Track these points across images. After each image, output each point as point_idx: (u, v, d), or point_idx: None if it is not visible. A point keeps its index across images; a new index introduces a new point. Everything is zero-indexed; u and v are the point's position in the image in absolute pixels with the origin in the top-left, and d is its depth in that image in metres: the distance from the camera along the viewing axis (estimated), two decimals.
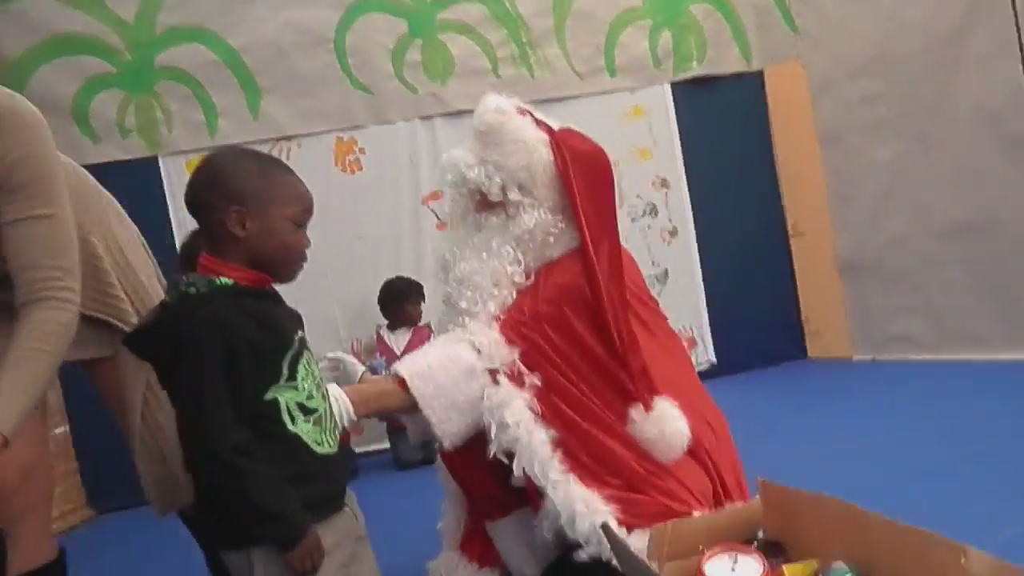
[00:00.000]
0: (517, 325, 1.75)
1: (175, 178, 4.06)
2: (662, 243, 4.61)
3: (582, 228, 1.81)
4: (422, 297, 3.96)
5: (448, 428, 1.70)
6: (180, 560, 2.99)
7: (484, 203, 1.89)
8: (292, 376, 1.33)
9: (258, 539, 1.26)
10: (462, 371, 1.70)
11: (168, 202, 4.05)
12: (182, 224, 4.06)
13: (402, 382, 1.71)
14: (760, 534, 1.46)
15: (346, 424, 1.62)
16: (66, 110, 3.92)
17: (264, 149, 4.15)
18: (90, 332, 1.55)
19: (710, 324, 4.66)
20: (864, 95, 4.16)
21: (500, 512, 1.86)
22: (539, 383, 1.72)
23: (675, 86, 4.60)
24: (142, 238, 1.84)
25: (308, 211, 1.40)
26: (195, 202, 1.34)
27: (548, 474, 1.66)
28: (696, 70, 4.62)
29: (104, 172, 3.76)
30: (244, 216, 1.30)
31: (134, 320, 1.59)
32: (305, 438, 1.33)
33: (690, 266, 4.65)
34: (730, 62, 4.67)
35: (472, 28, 4.34)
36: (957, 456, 2.49)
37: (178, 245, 4.02)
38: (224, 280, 1.30)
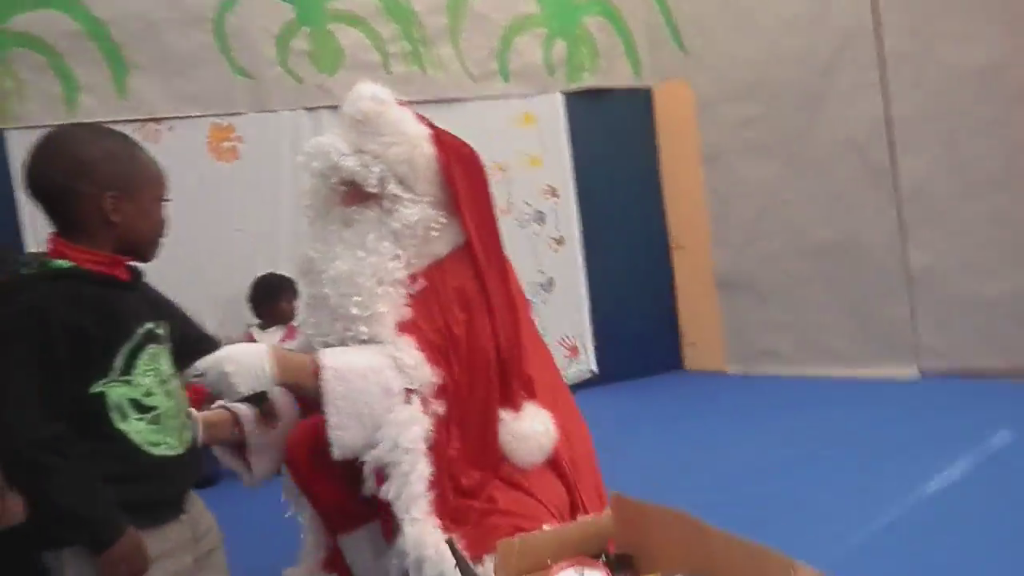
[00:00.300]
0: (439, 348, 1.69)
1: (23, 153, 3.70)
2: (549, 251, 4.62)
3: (468, 227, 1.77)
4: (295, 294, 3.79)
5: (343, 437, 1.60)
6: None
7: (354, 196, 1.77)
8: (128, 370, 1.26)
9: (67, 540, 1.20)
10: (380, 386, 1.61)
11: (12, 178, 3.69)
12: (29, 201, 3.71)
13: (317, 370, 1.60)
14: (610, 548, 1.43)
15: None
16: None
17: (131, 130, 3.83)
18: None
19: (593, 333, 4.70)
20: (744, 118, 4.32)
21: (350, 525, 1.76)
22: (442, 412, 1.66)
23: (567, 95, 4.63)
24: None
25: (167, 186, 1.42)
26: (51, 189, 1.27)
27: (411, 509, 1.59)
28: (588, 81, 4.66)
29: None
30: (119, 200, 1.27)
31: None
32: (134, 437, 1.25)
33: (575, 275, 4.67)
34: (621, 76, 4.74)
35: (363, 20, 4.21)
36: (801, 458, 2.60)
37: (26, 222, 3.70)
38: (60, 263, 1.24)
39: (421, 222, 1.73)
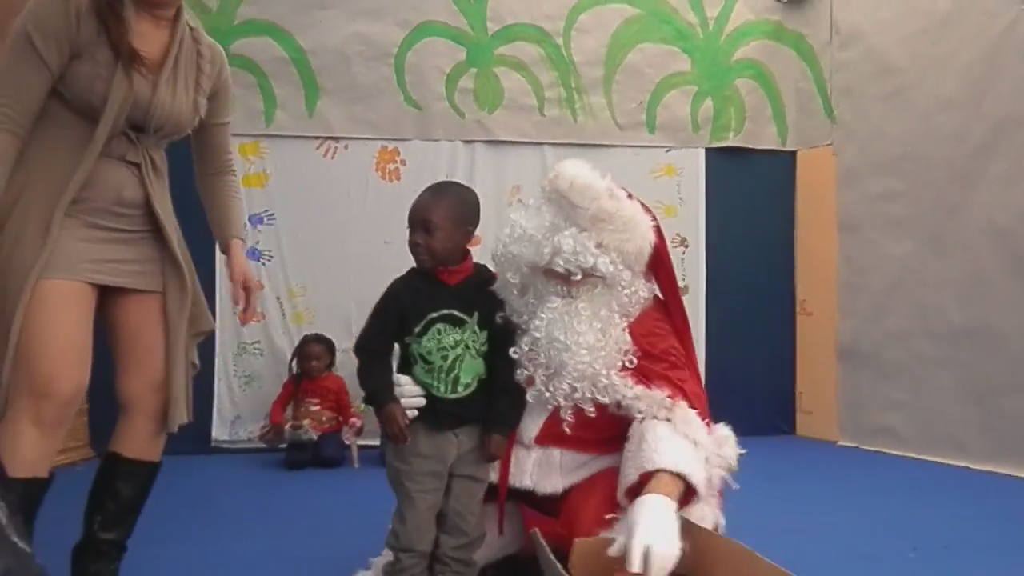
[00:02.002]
0: (702, 413, 1.91)
1: None
2: None
3: (667, 296, 2.02)
4: None
5: None
6: (162, 507, 3.19)
7: (564, 276, 1.88)
8: (421, 335, 1.90)
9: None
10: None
11: None
12: None
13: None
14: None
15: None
16: None
17: (313, 145, 4.43)
18: (156, 258, 1.83)
19: (705, 386, 4.77)
20: (886, 191, 4.31)
21: None
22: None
23: (709, 152, 4.79)
24: None
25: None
26: None
27: None
28: (732, 140, 4.80)
29: None
30: None
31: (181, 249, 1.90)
32: (416, 374, 1.90)
33: (695, 325, 4.75)
34: (766, 138, 4.85)
35: (526, 66, 4.58)
36: (901, 548, 2.60)
37: None
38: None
39: (639, 294, 1.92)
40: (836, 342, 4.60)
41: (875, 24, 4.41)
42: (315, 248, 4.38)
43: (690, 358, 1.98)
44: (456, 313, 1.86)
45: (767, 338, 4.82)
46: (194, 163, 2.04)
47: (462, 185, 2.07)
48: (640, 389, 1.83)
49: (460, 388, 1.85)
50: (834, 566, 2.39)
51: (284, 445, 4.02)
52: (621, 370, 1.85)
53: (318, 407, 4.04)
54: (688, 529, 1.65)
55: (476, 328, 1.88)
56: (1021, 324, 3.68)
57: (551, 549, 1.59)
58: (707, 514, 1.75)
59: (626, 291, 1.90)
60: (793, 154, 4.88)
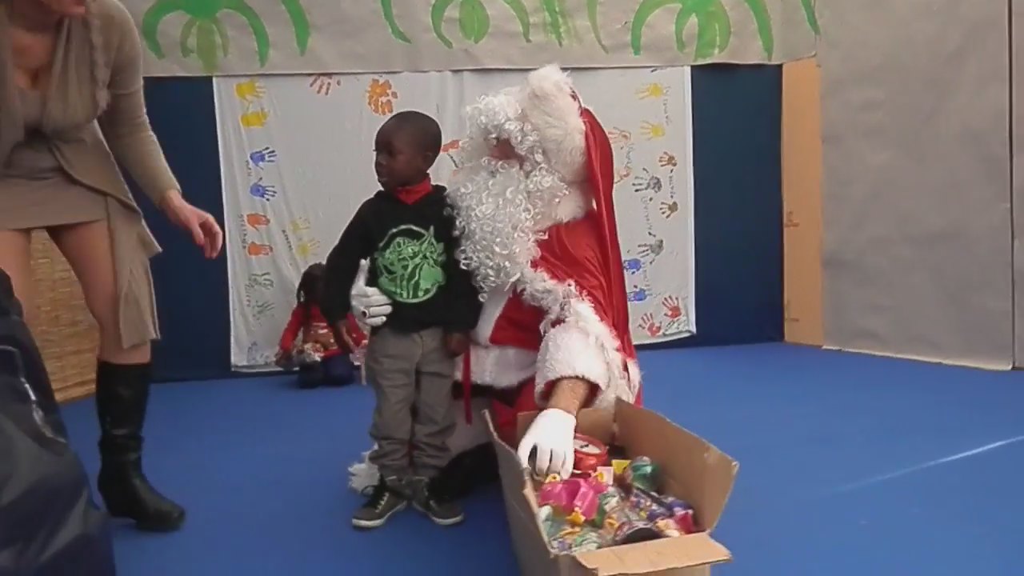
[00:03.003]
0: (600, 303, 2.07)
1: (225, 98, 4.52)
2: (661, 216, 4.93)
3: (601, 211, 2.18)
4: None
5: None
6: (188, 423, 3.54)
7: (503, 151, 2.16)
8: (384, 249, 2.14)
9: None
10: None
11: (216, 117, 4.51)
12: (227, 138, 4.53)
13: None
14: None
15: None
16: (137, 25, 4.36)
17: (307, 82, 4.59)
18: (87, 200, 1.97)
19: (696, 297, 4.99)
20: (867, 101, 4.38)
21: None
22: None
23: (695, 69, 4.86)
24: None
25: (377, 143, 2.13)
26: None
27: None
28: (717, 57, 4.86)
29: (165, 85, 4.31)
30: None
31: (126, 191, 2.04)
32: (381, 285, 2.17)
33: (684, 240, 4.96)
34: (751, 54, 4.90)
35: None
36: (851, 432, 2.84)
37: (222, 156, 4.54)
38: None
39: (551, 189, 2.13)
40: (821, 251, 4.76)
41: None
42: (315, 181, 4.60)
43: (611, 270, 2.13)
44: (414, 227, 2.09)
45: (755, 250, 4.99)
46: (100, 125, 2.02)
47: (425, 115, 2.25)
48: (551, 283, 2.05)
49: (420, 293, 2.09)
50: (793, 447, 2.65)
51: (297, 368, 4.34)
52: (535, 264, 2.08)
53: (326, 331, 4.33)
54: (620, 406, 1.90)
55: (433, 240, 2.10)
56: (991, 225, 3.82)
57: (507, 433, 1.85)
58: (621, 394, 1.96)
59: (535, 178, 2.10)
60: (779, 67, 4.93)
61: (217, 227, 2.04)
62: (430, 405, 2.13)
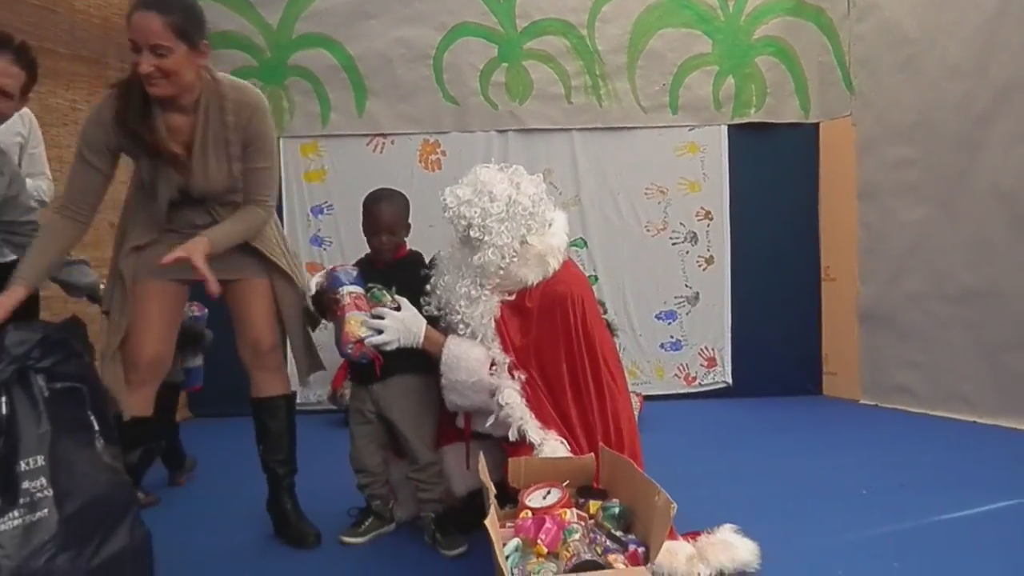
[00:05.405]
0: (520, 347, 2.34)
1: (290, 156, 4.95)
2: (697, 269, 5.07)
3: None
4: None
5: (448, 396, 2.35)
6: (247, 455, 3.84)
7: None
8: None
9: None
10: (474, 370, 2.29)
11: (282, 174, 4.93)
12: (290, 193, 4.95)
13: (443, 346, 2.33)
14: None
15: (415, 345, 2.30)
16: None
17: (364, 141, 4.98)
18: (248, 260, 2.36)
19: (732, 348, 5.07)
20: (901, 159, 4.46)
21: (447, 440, 2.50)
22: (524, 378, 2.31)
23: (732, 128, 5.03)
24: None
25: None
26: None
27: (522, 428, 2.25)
28: (753, 116, 5.02)
29: None
30: None
31: (284, 258, 2.42)
32: None
33: (721, 293, 5.07)
34: (788, 113, 5.04)
35: (553, 57, 4.96)
36: (856, 486, 2.91)
37: (285, 209, 4.95)
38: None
39: (495, 263, 2.32)
40: (857, 306, 4.79)
41: None
42: None
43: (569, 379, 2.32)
44: (375, 290, 2.35)
45: (793, 304, 5.05)
46: None
47: (398, 191, 2.58)
48: (497, 349, 2.30)
49: None
50: (809, 498, 2.76)
51: (344, 407, 4.63)
52: (498, 323, 2.32)
53: None
54: (604, 453, 2.08)
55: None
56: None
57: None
58: (557, 449, 2.16)
59: (479, 256, 2.29)
60: (816, 126, 5.05)
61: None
62: (405, 447, 2.38)
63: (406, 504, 2.58)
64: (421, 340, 2.31)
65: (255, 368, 2.44)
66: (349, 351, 2.24)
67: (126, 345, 2.27)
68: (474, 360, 2.29)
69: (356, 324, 2.24)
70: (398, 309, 2.30)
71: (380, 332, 2.25)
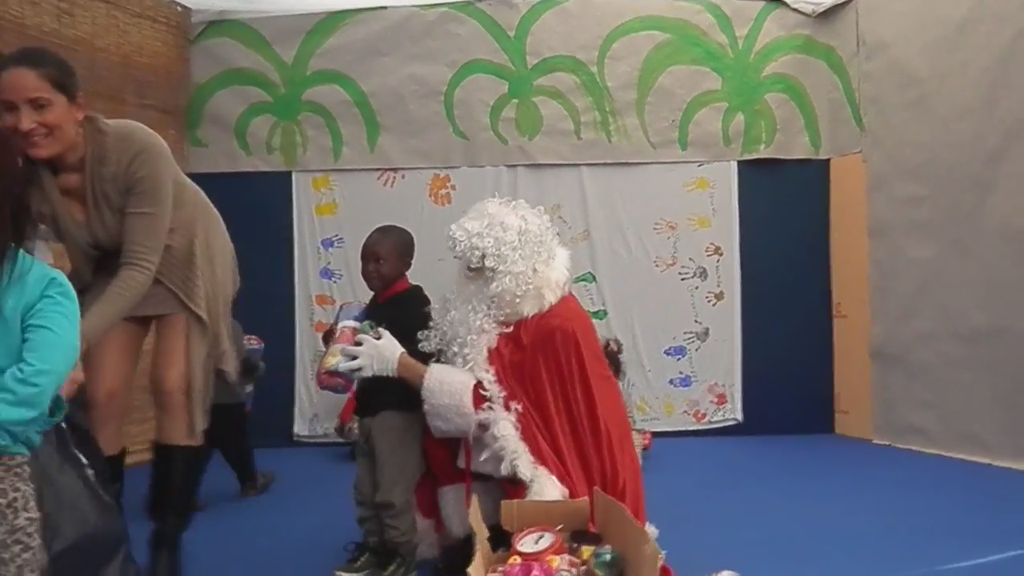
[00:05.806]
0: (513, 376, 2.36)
1: (302, 190, 5.02)
2: (707, 304, 5.04)
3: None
4: None
5: (433, 422, 2.35)
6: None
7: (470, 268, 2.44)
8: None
9: None
10: (457, 398, 2.30)
11: (293, 207, 5.01)
12: (301, 226, 5.01)
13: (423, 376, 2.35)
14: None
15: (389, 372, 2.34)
16: (231, 126, 4.97)
17: (375, 176, 5.04)
18: (168, 296, 2.30)
19: (743, 385, 5.02)
20: (911, 197, 4.43)
21: (448, 481, 2.48)
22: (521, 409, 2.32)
23: (741, 164, 5.03)
24: (232, 252, 2.56)
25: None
26: None
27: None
28: (763, 152, 5.03)
29: (250, 179, 4.83)
30: None
31: (200, 301, 2.34)
32: None
33: (731, 328, 5.03)
34: (797, 149, 5.04)
35: (563, 94, 5.01)
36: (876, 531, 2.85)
37: (296, 241, 5.00)
38: None
39: (511, 290, 2.35)
40: (869, 344, 4.73)
41: (898, 34, 4.54)
42: None
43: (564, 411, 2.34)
44: (372, 323, 2.41)
45: (804, 341, 5.00)
46: None
47: (401, 227, 2.64)
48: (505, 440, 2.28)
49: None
50: (811, 541, 2.72)
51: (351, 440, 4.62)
52: (491, 354, 2.33)
53: None
54: (599, 498, 2.05)
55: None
56: None
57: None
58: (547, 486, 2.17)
59: (494, 284, 2.32)
60: (826, 162, 5.04)
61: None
62: (380, 475, 2.40)
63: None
64: (395, 366, 2.34)
65: (157, 407, 2.31)
66: (320, 381, 2.39)
67: (86, 385, 2.17)
68: (458, 383, 2.31)
69: (332, 354, 2.34)
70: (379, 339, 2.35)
71: (355, 358, 2.32)
